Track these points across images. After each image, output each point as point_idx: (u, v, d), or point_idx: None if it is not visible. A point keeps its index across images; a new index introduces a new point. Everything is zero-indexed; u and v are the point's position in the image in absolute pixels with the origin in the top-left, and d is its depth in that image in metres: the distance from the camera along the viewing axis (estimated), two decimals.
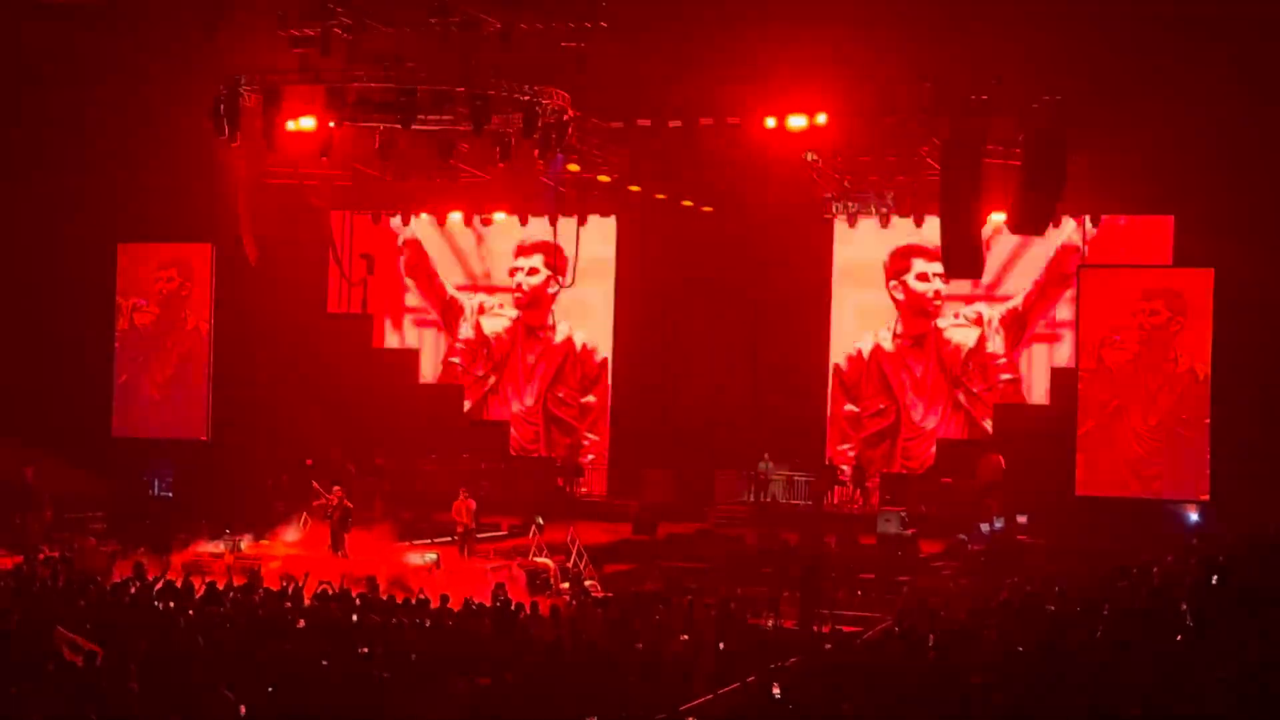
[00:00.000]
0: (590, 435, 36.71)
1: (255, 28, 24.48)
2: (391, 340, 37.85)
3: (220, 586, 22.50)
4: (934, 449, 34.48)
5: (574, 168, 30.71)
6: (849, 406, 35.10)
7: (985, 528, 30.35)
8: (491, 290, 37.56)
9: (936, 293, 34.31)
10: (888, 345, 34.93)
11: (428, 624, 19.31)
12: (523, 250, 37.09)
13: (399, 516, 29.69)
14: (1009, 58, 24.70)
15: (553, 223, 35.14)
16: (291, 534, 27.65)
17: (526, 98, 24.72)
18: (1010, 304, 33.92)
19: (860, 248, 34.52)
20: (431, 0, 23.66)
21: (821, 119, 27.24)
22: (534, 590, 24.77)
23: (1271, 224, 28.92)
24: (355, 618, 19.63)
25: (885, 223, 32.59)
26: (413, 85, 24.28)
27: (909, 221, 32.76)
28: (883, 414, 34.94)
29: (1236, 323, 29.69)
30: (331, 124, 25.49)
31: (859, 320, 35.13)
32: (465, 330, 37.70)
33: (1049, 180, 25.44)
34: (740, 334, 35.19)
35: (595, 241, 35.69)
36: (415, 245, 37.70)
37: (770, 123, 27.53)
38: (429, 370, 37.75)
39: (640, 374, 36.41)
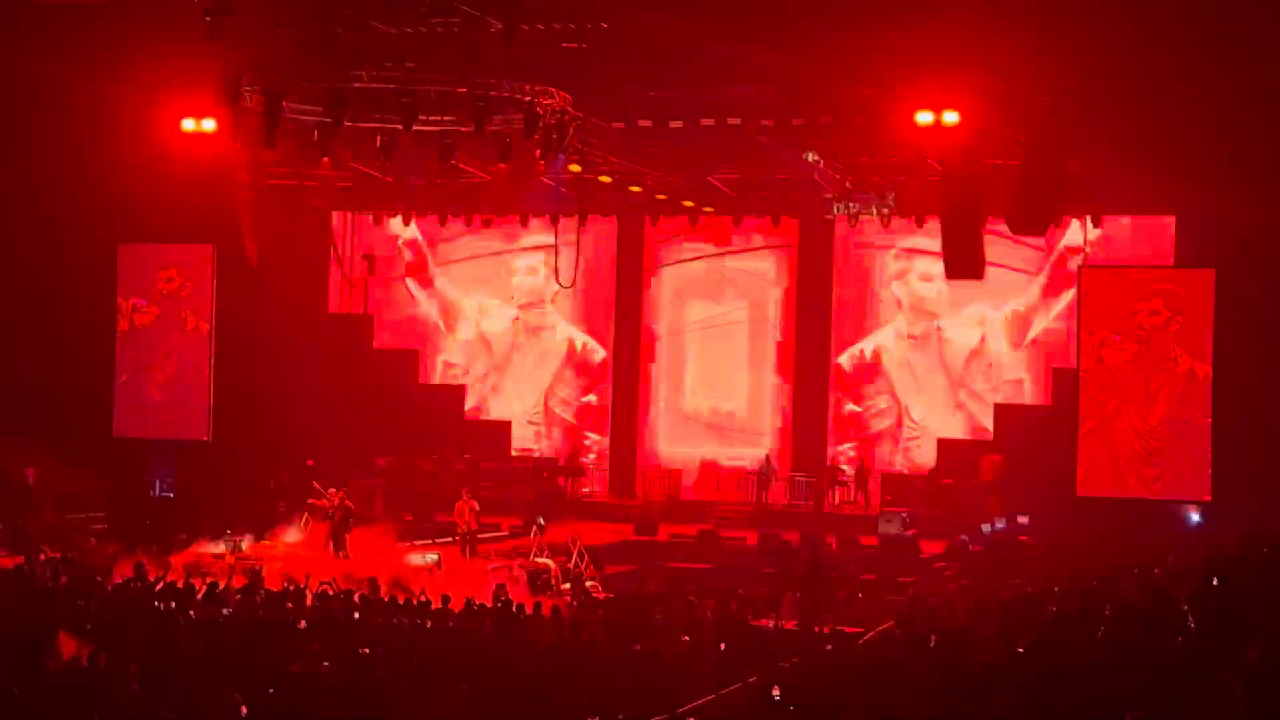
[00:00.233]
0: (591, 435, 36.73)
1: (257, 28, 24.48)
2: (392, 341, 37.84)
3: (221, 587, 22.51)
4: (935, 449, 34.48)
5: (575, 168, 30.71)
6: (850, 406, 35.11)
7: (986, 528, 30.35)
8: (491, 291, 37.56)
9: (939, 293, 34.33)
10: (890, 345, 34.94)
11: (429, 625, 19.31)
12: (523, 251, 37.11)
13: (400, 517, 29.70)
14: (1009, 58, 24.68)
15: (553, 223, 35.17)
16: (292, 534, 27.66)
17: (527, 98, 24.73)
18: (1012, 305, 33.93)
19: (861, 248, 34.52)
20: (432, 0, 23.66)
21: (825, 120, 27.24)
22: (535, 591, 24.78)
23: (1272, 224, 28.88)
24: (356, 616, 19.65)
25: (886, 223, 32.59)
26: (413, 86, 24.29)
27: (910, 222, 32.79)
28: (884, 414, 34.96)
29: (1237, 323, 29.68)
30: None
31: (860, 320, 35.14)
32: (465, 331, 37.71)
33: (1050, 181, 25.43)
34: (741, 334, 35.16)
35: (596, 242, 35.74)
36: (416, 246, 37.72)
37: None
38: (429, 371, 37.75)
39: (641, 374, 36.39)
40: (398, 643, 17.69)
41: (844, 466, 34.25)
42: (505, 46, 23.96)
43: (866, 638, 20.36)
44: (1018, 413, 33.66)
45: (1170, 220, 31.76)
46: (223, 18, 23.18)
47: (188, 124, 27.48)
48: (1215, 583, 20.38)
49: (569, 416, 37.02)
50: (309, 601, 20.89)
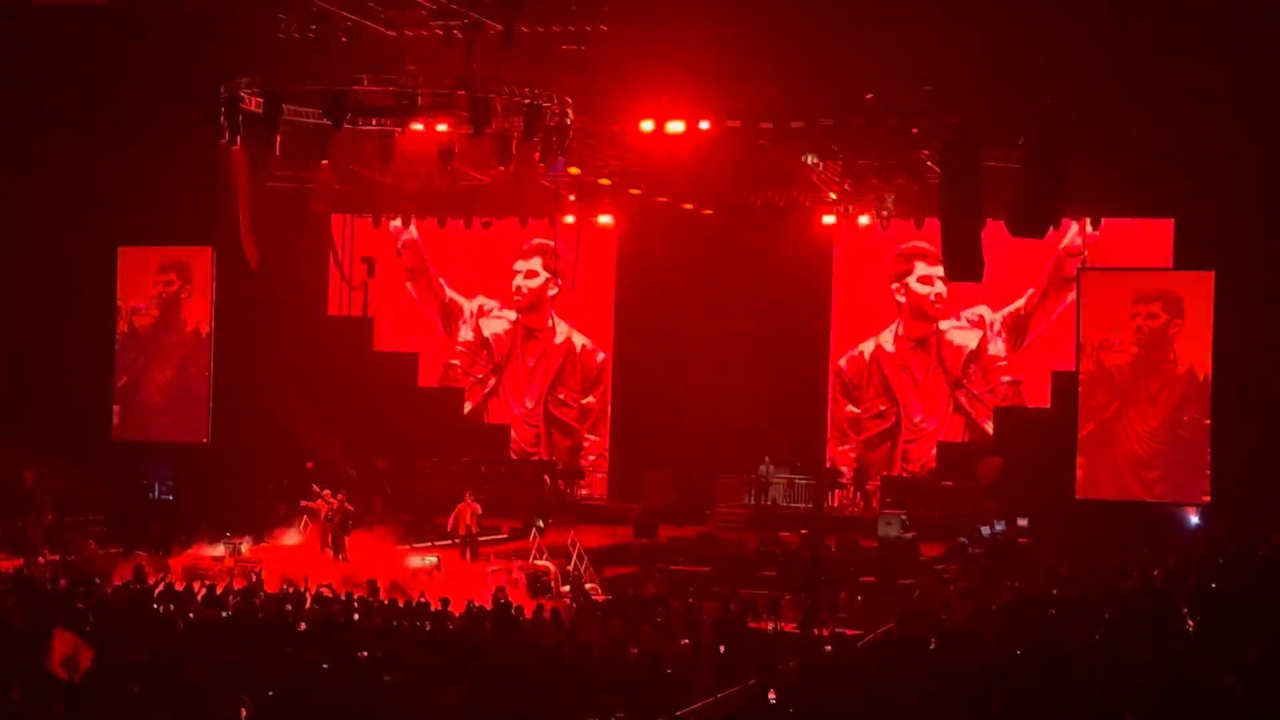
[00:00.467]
0: (590, 436, 36.74)
1: (256, 31, 24.49)
2: (391, 344, 37.85)
3: (220, 590, 22.52)
4: (934, 452, 34.49)
5: (575, 170, 30.71)
6: (850, 408, 35.13)
7: (985, 530, 30.35)
8: (491, 293, 37.59)
9: (938, 295, 34.35)
10: (889, 347, 34.96)
11: (428, 627, 19.32)
12: (523, 253, 37.14)
13: (399, 519, 29.69)
14: (1009, 61, 24.69)
15: (553, 225, 35.18)
16: (292, 537, 27.66)
17: (527, 101, 24.74)
18: (1012, 307, 33.95)
19: (860, 250, 34.54)
20: (433, 3, 23.67)
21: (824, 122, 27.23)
22: (534, 593, 24.78)
23: (1272, 226, 28.91)
24: (355, 618, 19.66)
25: (885, 225, 32.61)
26: (413, 88, 24.30)
27: (909, 224, 32.82)
28: (883, 416, 34.97)
29: (1237, 325, 29.67)
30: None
31: (859, 323, 35.16)
32: (465, 333, 37.74)
33: (1049, 183, 25.43)
34: (740, 337, 35.17)
35: (595, 244, 35.77)
36: (415, 248, 37.74)
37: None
38: (429, 373, 37.76)
39: (640, 376, 36.42)
40: (397, 645, 17.69)
41: (843, 469, 34.23)
42: (505, 49, 23.99)
43: (866, 640, 20.36)
44: (1017, 415, 33.66)
45: (1169, 223, 31.75)
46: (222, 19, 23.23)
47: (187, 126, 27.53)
48: (1214, 585, 20.39)
49: (568, 419, 37.02)
50: (308, 604, 20.89)
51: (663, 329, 35.92)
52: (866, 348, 35.10)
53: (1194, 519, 30.07)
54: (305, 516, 27.79)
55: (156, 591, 21.89)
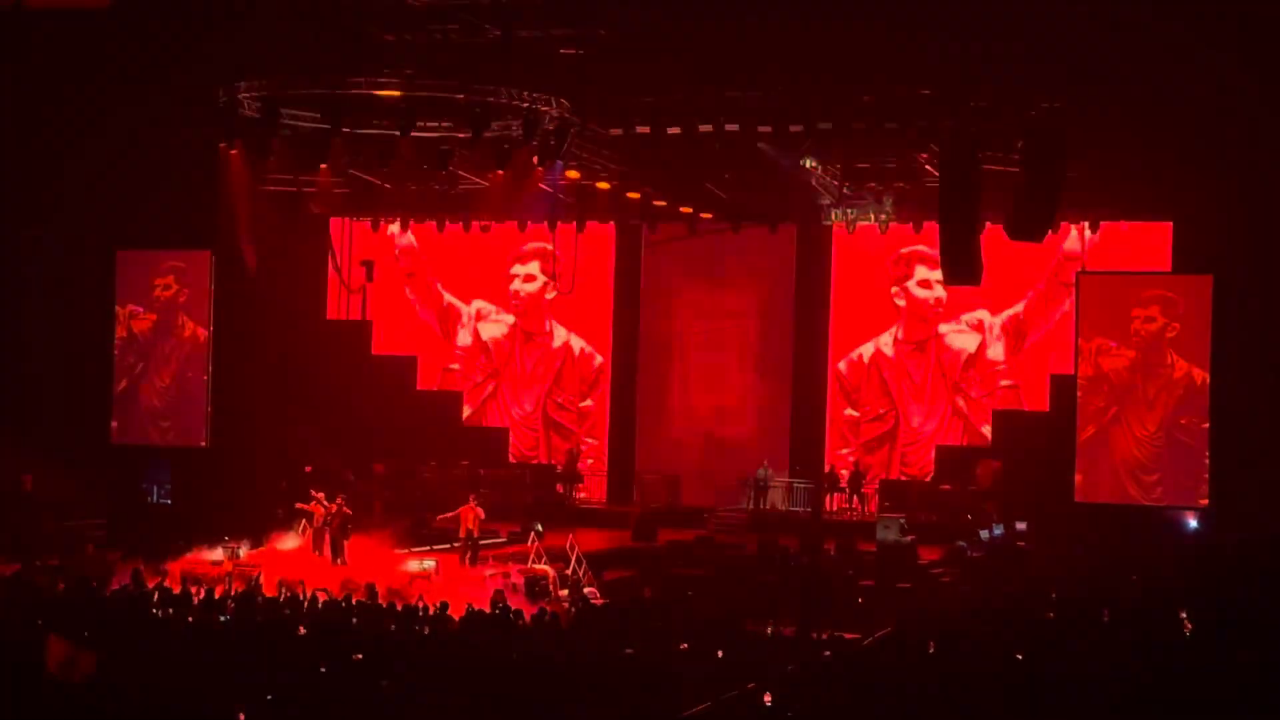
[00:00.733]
0: (589, 439, 36.73)
1: (255, 35, 24.51)
2: (390, 347, 37.85)
3: (219, 594, 22.51)
4: (933, 455, 34.48)
5: (573, 174, 30.72)
6: (849, 411, 35.12)
7: (984, 534, 30.34)
8: (489, 297, 37.59)
9: (937, 299, 34.35)
10: (889, 351, 34.96)
11: (427, 631, 19.31)
12: (521, 256, 37.14)
13: (398, 523, 29.66)
14: (1008, 63, 24.70)
15: (551, 229, 35.15)
16: (290, 541, 27.62)
17: (525, 105, 24.75)
18: (1011, 310, 33.95)
19: (859, 254, 34.54)
20: (431, 7, 23.69)
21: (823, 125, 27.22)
22: (533, 597, 24.76)
23: (1270, 230, 28.93)
24: (354, 623, 19.65)
25: (884, 229, 32.60)
26: (412, 92, 24.32)
27: (908, 228, 32.82)
28: (882, 419, 34.97)
29: (1235, 329, 29.68)
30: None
31: (858, 326, 35.16)
32: (463, 337, 37.73)
33: (1048, 186, 25.44)
34: (739, 340, 35.17)
35: (594, 248, 35.78)
36: (413, 252, 37.73)
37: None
38: (427, 377, 37.75)
39: (639, 380, 36.40)
40: (395, 649, 17.68)
41: (842, 472, 34.22)
42: (503, 53, 24.01)
43: (865, 644, 20.35)
44: (1016, 419, 33.65)
45: (1168, 226, 31.76)
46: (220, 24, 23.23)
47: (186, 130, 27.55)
48: (1212, 588, 20.41)
49: (567, 422, 37.02)
50: (305, 608, 20.89)
51: (661, 333, 35.91)
52: (866, 351, 35.10)
53: (1192, 523, 30.07)
54: (304, 520, 27.76)
55: (155, 596, 21.88)
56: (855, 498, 33.44)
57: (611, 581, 26.85)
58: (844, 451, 34.88)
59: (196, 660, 16.44)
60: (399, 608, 21.29)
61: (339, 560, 26.30)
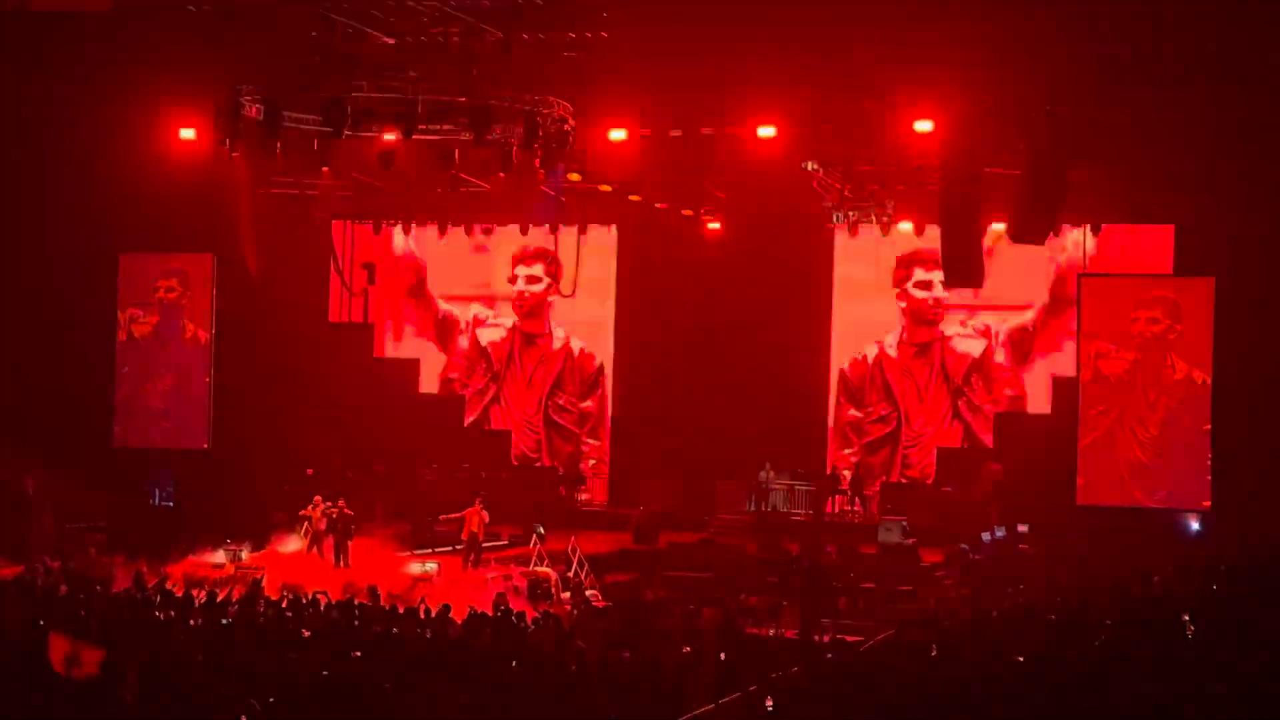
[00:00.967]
0: (590, 440, 36.72)
1: (256, 38, 24.52)
2: (392, 350, 37.86)
3: (221, 596, 22.53)
4: (934, 458, 34.48)
5: (575, 177, 30.72)
6: (852, 412, 35.12)
7: (986, 537, 30.34)
8: (491, 300, 37.60)
9: (938, 300, 34.37)
10: (892, 353, 34.97)
11: (429, 634, 19.32)
12: (523, 260, 37.14)
13: (400, 526, 29.67)
14: (1009, 67, 24.71)
15: (553, 232, 35.16)
16: (292, 544, 27.63)
17: (527, 107, 24.76)
18: (1013, 313, 33.94)
19: (861, 256, 34.55)
20: (433, 10, 23.70)
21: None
22: (535, 600, 24.77)
23: (1272, 233, 28.94)
24: (356, 625, 19.66)
25: (886, 231, 32.61)
26: (414, 95, 24.33)
27: (910, 231, 32.82)
28: (884, 421, 34.98)
29: (1237, 331, 29.69)
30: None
31: (860, 329, 35.17)
32: (464, 340, 37.73)
33: (1050, 190, 25.43)
34: (741, 343, 35.18)
35: (596, 251, 35.79)
36: (415, 255, 37.74)
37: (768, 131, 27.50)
38: (429, 380, 37.76)
39: (641, 383, 36.42)
40: (397, 652, 17.69)
41: (844, 473, 34.22)
42: (505, 56, 24.02)
43: (866, 646, 20.35)
44: (1017, 421, 33.66)
45: (1170, 229, 31.76)
46: (222, 27, 23.30)
47: (187, 133, 27.53)
48: (1215, 592, 20.39)
49: (568, 424, 37.03)
50: (309, 611, 20.89)
51: (663, 335, 35.92)
52: (868, 354, 35.11)
53: (1194, 525, 30.06)
54: (305, 523, 27.78)
55: (157, 598, 21.88)
56: (857, 500, 33.43)
57: (613, 584, 26.86)
58: (846, 451, 34.88)
59: (199, 663, 16.44)
60: (401, 610, 21.29)
61: (342, 563, 26.31)
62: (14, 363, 33.48)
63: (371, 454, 34.82)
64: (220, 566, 25.98)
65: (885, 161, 29.66)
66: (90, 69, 28.50)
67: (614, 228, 35.98)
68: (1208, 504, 29.86)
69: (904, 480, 34.43)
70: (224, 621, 20.06)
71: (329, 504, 26.81)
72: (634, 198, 32.73)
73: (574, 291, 35.71)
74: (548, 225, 35.07)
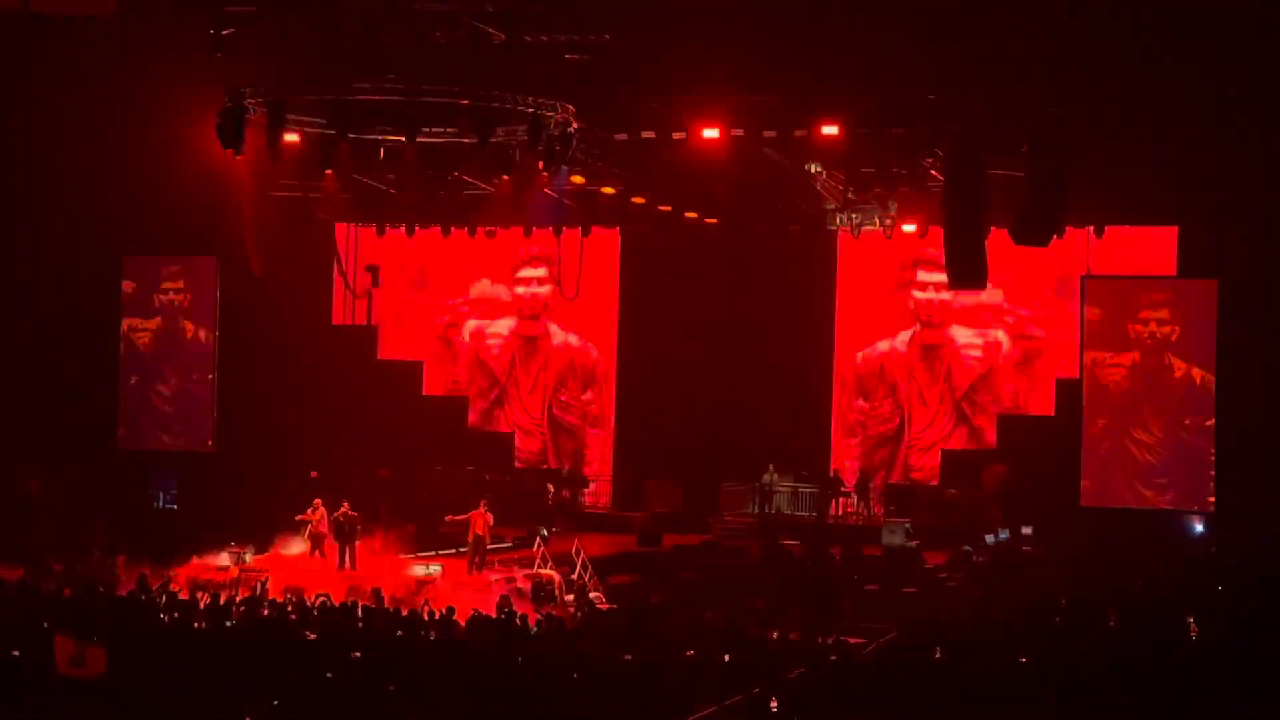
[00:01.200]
0: (594, 444, 36.72)
1: (260, 41, 24.54)
2: (396, 352, 37.87)
3: (225, 599, 22.53)
4: (939, 459, 34.47)
5: (578, 179, 30.72)
6: (855, 417, 35.09)
7: (990, 539, 30.33)
8: (495, 302, 37.60)
9: (942, 302, 34.35)
10: (894, 356, 34.95)
11: (433, 636, 19.32)
12: (526, 262, 37.15)
13: (404, 528, 29.67)
14: (1012, 68, 24.71)
15: (556, 234, 35.17)
16: (296, 546, 27.63)
17: (530, 110, 24.77)
18: (1015, 315, 33.93)
19: (864, 259, 34.56)
20: (436, 13, 23.72)
21: (829, 130, 27.21)
22: (539, 602, 24.76)
23: (1275, 234, 28.94)
24: (360, 627, 19.66)
25: (889, 234, 32.61)
26: (417, 98, 24.35)
27: (913, 233, 32.82)
28: (888, 422, 34.97)
29: (1240, 333, 29.69)
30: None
31: (864, 331, 35.17)
32: (469, 342, 37.73)
33: (1053, 191, 25.43)
34: (745, 346, 35.18)
35: (599, 253, 35.82)
36: (419, 257, 37.72)
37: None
38: (433, 382, 37.77)
39: (644, 386, 36.43)
40: (401, 654, 17.69)
41: (847, 473, 34.22)
42: (508, 58, 24.03)
43: (870, 649, 20.35)
44: (1021, 423, 33.63)
45: (1173, 230, 31.74)
46: (225, 29, 23.33)
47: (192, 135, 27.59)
48: (1220, 593, 20.39)
49: (572, 427, 37.03)
50: (312, 614, 20.89)
51: (666, 338, 35.92)
52: (871, 356, 35.10)
53: (1198, 527, 30.06)
54: (307, 526, 27.78)
55: (161, 601, 21.89)
56: (863, 503, 33.42)
57: (617, 586, 26.85)
58: (851, 441, 34.87)
59: (203, 666, 16.44)
60: (404, 613, 21.29)
61: (347, 565, 26.29)
62: (18, 365, 33.52)
63: (375, 456, 34.82)
64: (224, 569, 25.97)
65: (889, 163, 29.63)
66: (94, 72, 28.55)
67: (617, 230, 35.97)
68: (1211, 506, 29.84)
69: (908, 482, 34.41)
70: (228, 624, 20.07)
71: (338, 509, 26.77)
72: (638, 200, 32.73)
73: (577, 294, 35.71)
74: (551, 227, 35.06)
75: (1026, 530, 30.50)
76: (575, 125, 25.60)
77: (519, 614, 21.43)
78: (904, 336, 34.90)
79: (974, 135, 25.46)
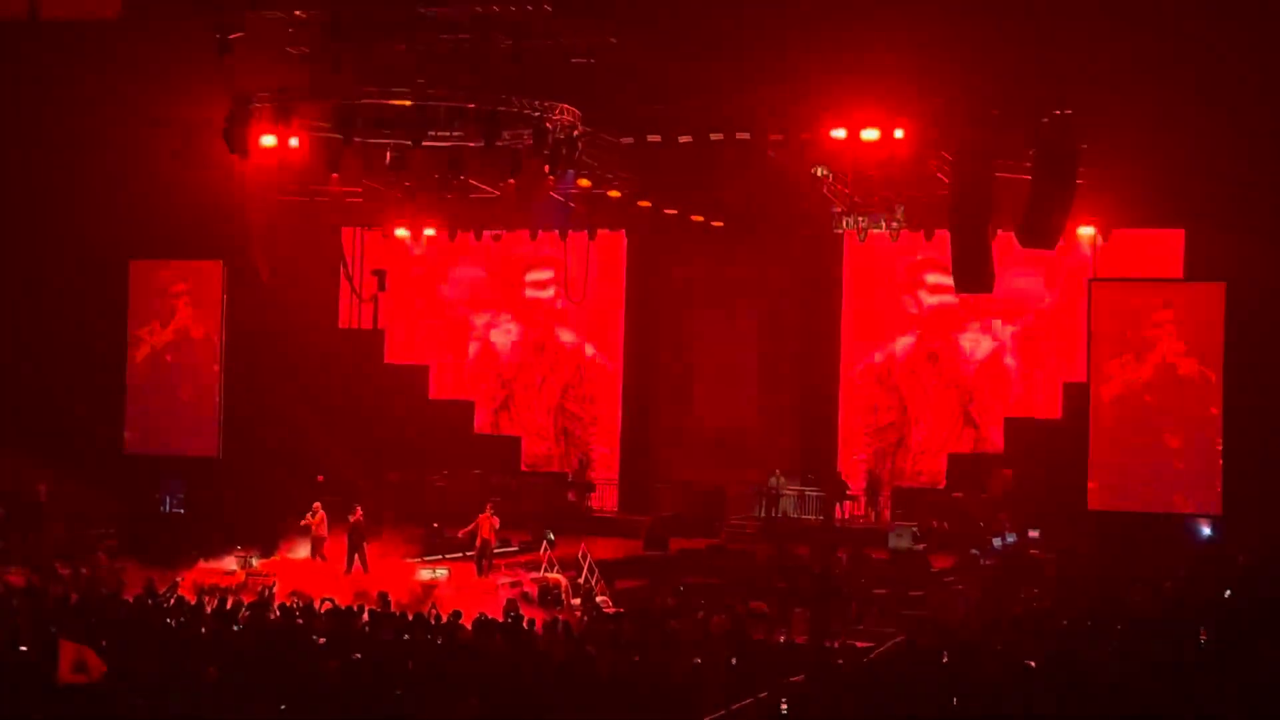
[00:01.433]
0: (601, 447, 36.71)
1: (267, 45, 24.56)
2: (402, 356, 37.88)
3: (231, 603, 22.54)
4: (945, 463, 34.44)
5: (584, 183, 30.73)
6: (861, 420, 35.08)
7: (997, 542, 30.30)
8: (501, 306, 37.62)
9: (949, 307, 34.33)
10: (900, 359, 34.94)
11: (440, 640, 19.32)
12: (532, 265, 37.16)
13: (411, 532, 29.68)
14: (1019, 72, 24.71)
15: (562, 238, 35.19)
16: (302, 550, 27.64)
17: (536, 113, 24.78)
18: (1021, 318, 33.91)
19: (870, 262, 34.54)
20: (443, 17, 23.74)
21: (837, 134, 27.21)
22: (545, 606, 24.76)
23: None
24: (367, 631, 19.66)
25: (895, 237, 32.60)
26: (423, 101, 24.35)
27: (919, 236, 32.80)
28: (894, 427, 34.95)
29: (1247, 336, 29.65)
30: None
31: (870, 335, 35.15)
32: (474, 347, 37.75)
33: (1059, 194, 25.42)
34: (751, 349, 35.18)
35: (605, 256, 35.82)
36: (425, 261, 37.75)
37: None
38: (440, 386, 37.77)
39: (650, 388, 36.43)
40: (408, 658, 17.69)
41: (858, 468, 34.20)
42: (514, 62, 24.04)
43: (877, 652, 20.33)
44: (1028, 426, 33.58)
45: (1180, 233, 31.71)
46: (232, 34, 23.35)
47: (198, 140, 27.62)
48: (1227, 597, 20.37)
49: (578, 431, 37.03)
50: (319, 618, 20.90)
51: (673, 342, 35.92)
52: (878, 360, 35.09)
53: (1205, 530, 30.02)
54: (308, 531, 27.79)
55: (168, 605, 21.90)
56: (869, 507, 33.38)
57: (623, 590, 26.85)
58: (857, 456, 34.85)
59: (209, 670, 16.44)
60: (411, 617, 21.29)
61: (353, 568, 26.28)
62: (25, 370, 33.56)
63: (382, 460, 34.83)
64: (231, 573, 25.99)
65: (894, 167, 29.61)
66: (100, 76, 28.56)
67: (623, 233, 35.98)
68: (1219, 509, 29.79)
69: (914, 485, 34.38)
70: (234, 628, 20.08)
71: (351, 514, 26.74)
72: (643, 203, 32.74)
73: (583, 297, 35.70)
74: (557, 231, 35.07)
75: (1034, 534, 30.50)
76: (581, 129, 25.59)
77: (526, 618, 21.42)
78: (910, 340, 34.89)
79: (980, 138, 25.45)
